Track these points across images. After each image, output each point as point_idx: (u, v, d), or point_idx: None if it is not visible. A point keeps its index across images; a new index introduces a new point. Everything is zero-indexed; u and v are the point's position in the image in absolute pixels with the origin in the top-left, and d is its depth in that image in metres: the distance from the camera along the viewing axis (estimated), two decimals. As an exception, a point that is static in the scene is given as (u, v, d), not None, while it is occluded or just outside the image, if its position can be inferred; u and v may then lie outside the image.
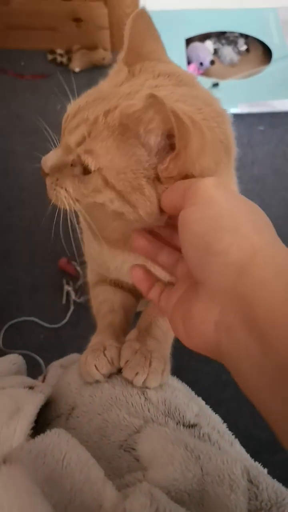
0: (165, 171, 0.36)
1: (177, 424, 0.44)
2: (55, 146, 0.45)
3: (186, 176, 0.37)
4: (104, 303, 0.61)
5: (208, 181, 0.33)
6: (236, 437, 0.50)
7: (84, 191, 0.41)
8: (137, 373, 0.48)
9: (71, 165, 0.41)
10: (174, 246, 0.41)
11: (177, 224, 0.33)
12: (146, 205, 0.39)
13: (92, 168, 0.39)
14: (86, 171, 0.40)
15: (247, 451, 0.49)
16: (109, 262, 0.56)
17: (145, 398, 0.46)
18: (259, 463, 0.45)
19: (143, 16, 0.43)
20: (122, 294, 0.62)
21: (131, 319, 0.61)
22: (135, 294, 0.64)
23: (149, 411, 0.44)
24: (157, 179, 0.38)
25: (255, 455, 0.49)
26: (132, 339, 0.53)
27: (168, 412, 0.45)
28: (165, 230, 0.42)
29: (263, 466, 0.45)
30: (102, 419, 0.43)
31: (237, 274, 0.29)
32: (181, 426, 0.44)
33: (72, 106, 0.42)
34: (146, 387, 0.48)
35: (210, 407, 0.54)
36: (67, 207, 0.43)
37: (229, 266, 0.29)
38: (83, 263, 0.81)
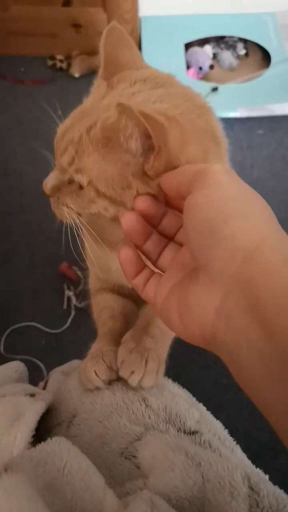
0: (152, 169, 0.38)
1: (178, 431, 0.44)
2: (53, 154, 0.47)
3: (174, 169, 0.38)
4: (104, 309, 0.61)
5: (217, 167, 0.32)
6: (237, 440, 0.50)
7: (81, 204, 0.43)
8: (132, 372, 0.48)
9: (68, 183, 0.43)
10: (165, 234, 0.39)
11: (175, 208, 0.35)
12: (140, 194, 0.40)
13: (84, 184, 0.41)
14: (81, 186, 0.42)
15: (248, 455, 0.49)
16: (110, 264, 0.57)
17: (146, 405, 0.46)
18: (260, 466, 0.45)
19: (115, 30, 0.45)
20: (123, 301, 0.63)
21: (132, 326, 0.62)
22: (136, 301, 0.64)
23: (149, 418, 0.44)
24: (147, 176, 0.39)
25: (256, 459, 0.49)
26: (128, 339, 0.53)
27: (169, 419, 0.45)
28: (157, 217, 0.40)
29: (264, 469, 0.45)
30: (103, 427, 0.44)
31: (243, 260, 0.29)
32: (182, 433, 0.44)
33: (60, 128, 0.44)
34: (141, 387, 0.48)
35: (211, 411, 0.54)
36: (72, 222, 0.46)
37: (235, 252, 0.29)
38: (84, 268, 0.81)
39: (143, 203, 0.37)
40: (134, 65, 0.46)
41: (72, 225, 0.46)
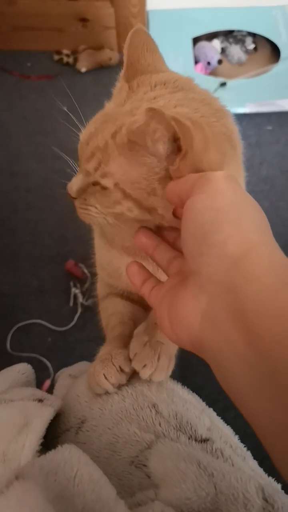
0: (177, 171, 0.38)
1: (189, 438, 0.43)
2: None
3: (196, 172, 0.37)
4: (113, 315, 0.60)
5: (219, 174, 0.33)
6: (245, 441, 0.50)
7: (106, 204, 0.44)
8: (145, 365, 0.49)
9: (93, 184, 0.44)
10: (174, 246, 0.43)
11: (180, 219, 0.35)
12: (164, 204, 0.41)
13: (111, 186, 0.42)
14: (106, 187, 0.43)
15: (256, 456, 0.49)
16: (121, 269, 0.58)
17: (156, 411, 0.45)
18: (267, 469, 0.44)
19: (139, 33, 0.46)
20: (132, 307, 0.62)
21: None
22: (144, 306, 0.64)
23: (160, 425, 0.44)
24: (170, 179, 0.39)
25: (264, 460, 0.48)
26: (141, 332, 0.54)
27: (179, 426, 0.44)
28: (168, 231, 0.44)
29: (271, 472, 0.44)
30: (113, 434, 0.43)
31: (230, 267, 0.29)
32: (193, 441, 0.43)
33: (83, 134, 0.45)
34: (151, 380, 0.49)
35: (219, 411, 0.53)
36: (100, 221, 0.46)
37: (224, 259, 0.30)
38: (90, 266, 0.80)
39: (145, 237, 0.43)
40: (155, 68, 0.47)
41: (98, 226, 0.49)
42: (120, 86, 0.47)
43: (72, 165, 0.53)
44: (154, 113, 0.36)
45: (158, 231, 0.44)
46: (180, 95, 0.43)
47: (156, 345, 0.51)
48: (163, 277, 0.42)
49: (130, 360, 0.50)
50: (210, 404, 0.54)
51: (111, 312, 0.61)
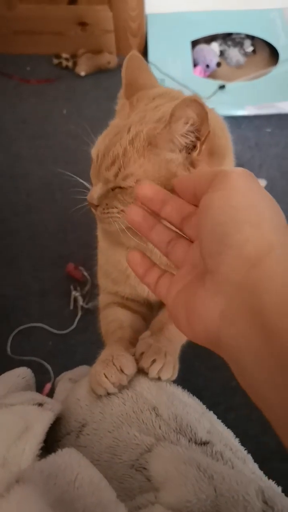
0: (199, 154, 0.47)
1: (189, 441, 0.43)
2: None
3: (210, 155, 0.47)
4: (113, 322, 0.61)
5: (237, 171, 0.33)
6: (245, 443, 0.50)
7: (129, 200, 0.50)
8: (154, 360, 0.51)
9: (112, 189, 0.51)
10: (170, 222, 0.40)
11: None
12: None
13: (133, 183, 0.48)
14: (126, 188, 0.49)
15: (257, 458, 0.49)
16: (129, 269, 0.59)
17: (156, 414, 0.45)
18: (268, 470, 0.44)
19: (134, 57, 0.54)
20: (132, 316, 0.63)
21: None
22: (144, 317, 0.65)
23: (160, 428, 0.44)
24: (189, 165, 0.48)
25: (264, 462, 0.48)
26: (146, 337, 0.57)
27: (179, 429, 0.44)
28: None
29: (272, 473, 0.44)
30: (113, 438, 0.43)
31: (249, 268, 0.29)
32: (193, 443, 0.43)
33: (97, 149, 0.51)
34: (160, 378, 0.51)
35: (220, 413, 0.53)
36: (121, 223, 0.52)
37: (242, 260, 0.30)
38: (90, 268, 0.81)
39: (144, 188, 0.39)
40: (150, 85, 0.54)
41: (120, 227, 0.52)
42: (122, 103, 0.53)
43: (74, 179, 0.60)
44: (192, 102, 0.44)
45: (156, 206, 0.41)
46: (177, 102, 0.49)
47: (161, 346, 0.54)
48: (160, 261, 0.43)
49: (136, 361, 0.51)
50: (211, 406, 0.55)
51: (111, 319, 0.62)
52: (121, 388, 0.48)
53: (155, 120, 0.49)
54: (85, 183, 0.61)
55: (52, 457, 0.37)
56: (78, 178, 0.63)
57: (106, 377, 0.48)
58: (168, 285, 0.38)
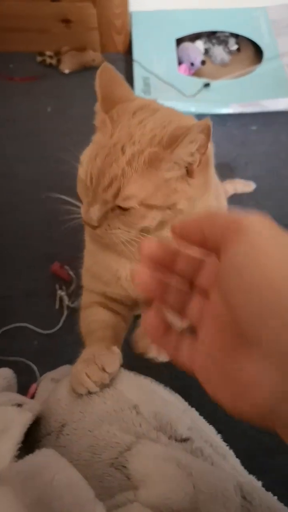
0: (199, 165, 0.49)
1: (169, 438, 0.43)
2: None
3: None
4: (95, 322, 0.61)
5: (255, 220, 0.29)
6: (234, 440, 0.50)
7: (133, 221, 0.51)
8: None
9: (111, 210, 0.50)
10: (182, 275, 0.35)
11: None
12: (184, 195, 0.50)
13: (136, 205, 0.49)
14: (126, 208, 0.50)
15: (246, 454, 0.49)
16: (119, 270, 0.61)
17: (137, 412, 0.45)
18: (257, 466, 0.45)
19: (106, 70, 0.53)
20: (114, 318, 0.64)
21: (121, 340, 0.61)
22: (125, 319, 0.66)
23: (140, 426, 0.44)
24: (187, 177, 0.50)
25: (253, 458, 0.49)
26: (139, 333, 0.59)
27: (160, 427, 0.44)
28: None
29: (261, 469, 0.44)
30: (93, 437, 0.43)
31: None
32: (173, 440, 0.43)
33: (87, 168, 0.50)
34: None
35: (207, 411, 0.53)
36: (126, 239, 0.52)
37: None
38: (76, 268, 0.80)
39: (150, 248, 0.34)
40: (126, 98, 0.54)
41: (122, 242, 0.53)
42: (101, 119, 0.52)
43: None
44: (205, 127, 0.47)
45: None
46: (159, 114, 0.51)
47: None
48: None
49: (133, 346, 0.54)
50: (200, 404, 0.54)
51: (93, 319, 0.62)
52: (103, 386, 0.48)
53: (148, 139, 0.49)
54: (72, 201, 0.60)
55: (29, 458, 0.37)
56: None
57: (88, 376, 0.47)
58: (189, 349, 0.32)
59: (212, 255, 0.31)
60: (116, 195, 0.49)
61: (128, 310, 0.67)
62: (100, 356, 0.50)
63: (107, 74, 0.53)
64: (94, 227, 0.51)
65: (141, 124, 0.50)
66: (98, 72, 0.52)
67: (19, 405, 0.44)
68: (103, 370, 0.48)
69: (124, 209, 0.50)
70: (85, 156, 0.52)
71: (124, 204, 0.49)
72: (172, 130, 0.48)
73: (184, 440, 0.44)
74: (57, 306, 1.29)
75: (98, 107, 0.53)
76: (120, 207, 0.50)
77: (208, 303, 0.31)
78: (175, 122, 0.50)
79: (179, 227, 0.33)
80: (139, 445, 0.41)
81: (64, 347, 1.24)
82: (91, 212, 0.50)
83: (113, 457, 0.41)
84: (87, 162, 0.51)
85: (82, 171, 0.52)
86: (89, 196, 0.51)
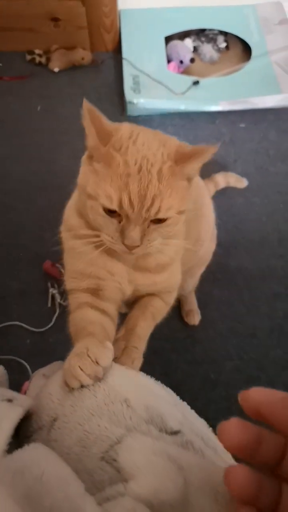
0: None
1: (159, 431, 0.44)
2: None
3: None
4: (83, 320, 0.62)
5: None
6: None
7: (169, 230, 0.57)
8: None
9: (147, 226, 0.55)
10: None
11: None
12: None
13: (174, 215, 0.55)
14: (160, 220, 0.55)
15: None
16: (114, 267, 0.65)
17: (127, 405, 0.45)
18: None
19: (91, 108, 0.54)
20: (103, 317, 0.64)
21: (111, 339, 0.62)
22: (112, 319, 0.67)
23: (131, 419, 0.44)
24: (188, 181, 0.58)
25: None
26: (119, 338, 0.63)
27: (150, 420, 0.44)
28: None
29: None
30: (83, 430, 0.43)
31: None
32: (164, 433, 0.43)
33: (120, 197, 0.53)
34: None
35: (200, 406, 0.53)
36: (159, 247, 0.59)
37: None
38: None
39: (235, 433, 0.28)
40: (114, 129, 0.56)
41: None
42: (103, 152, 0.54)
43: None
44: (215, 152, 0.55)
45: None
46: (150, 135, 0.56)
47: (131, 351, 0.60)
48: None
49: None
50: (191, 399, 0.55)
51: (81, 318, 0.62)
52: (97, 380, 0.48)
53: (160, 158, 0.54)
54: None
55: (18, 453, 0.37)
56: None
57: (81, 369, 0.47)
58: None
59: None
60: (158, 211, 0.53)
61: (116, 309, 0.68)
62: (93, 349, 0.50)
63: (93, 112, 0.55)
64: (134, 247, 0.55)
65: (144, 146, 0.54)
66: (86, 112, 0.54)
67: (10, 401, 0.44)
68: (97, 363, 0.48)
69: (161, 221, 0.55)
70: (107, 189, 0.53)
71: (165, 216, 0.54)
72: (178, 147, 0.55)
73: (175, 433, 0.44)
74: (49, 304, 1.29)
75: (95, 142, 0.55)
76: (156, 221, 0.55)
77: None
78: (171, 141, 0.57)
79: (268, 406, 0.28)
80: (129, 438, 0.41)
81: (57, 345, 1.24)
82: (133, 235, 0.53)
83: (103, 450, 0.41)
84: (117, 193, 0.53)
85: (110, 203, 0.53)
86: (127, 220, 0.54)
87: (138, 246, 0.55)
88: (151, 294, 0.71)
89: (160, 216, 0.54)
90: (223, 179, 1.38)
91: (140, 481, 0.37)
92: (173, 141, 0.57)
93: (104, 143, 0.54)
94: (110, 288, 0.65)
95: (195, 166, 0.56)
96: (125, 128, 0.57)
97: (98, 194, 0.54)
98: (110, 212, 0.54)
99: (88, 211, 0.57)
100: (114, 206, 0.53)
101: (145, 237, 0.55)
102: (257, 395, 0.28)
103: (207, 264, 1.09)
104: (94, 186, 0.54)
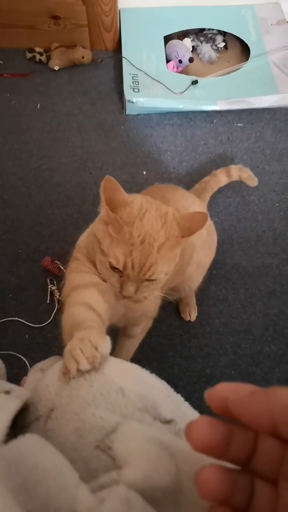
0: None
1: (153, 419, 0.45)
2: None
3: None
4: (84, 315, 0.64)
5: None
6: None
7: (156, 286, 0.73)
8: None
9: (141, 282, 0.70)
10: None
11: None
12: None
13: (162, 276, 0.71)
14: (153, 280, 0.71)
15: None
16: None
17: (123, 394, 0.46)
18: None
19: (109, 179, 0.69)
20: (98, 317, 0.66)
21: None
22: (105, 324, 0.69)
23: (126, 407, 0.45)
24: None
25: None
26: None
27: (144, 408, 0.45)
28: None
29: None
30: (79, 419, 0.44)
31: None
32: (157, 422, 0.45)
33: (125, 261, 0.67)
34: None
35: (196, 401, 0.55)
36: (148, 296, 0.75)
37: None
38: (67, 262, 0.82)
39: (202, 430, 0.28)
40: (124, 201, 0.70)
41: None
42: (113, 217, 0.68)
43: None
44: (206, 216, 0.70)
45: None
46: (156, 210, 0.71)
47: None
48: None
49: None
50: (187, 394, 0.56)
51: (82, 312, 0.65)
52: (93, 366, 0.49)
53: (163, 235, 0.68)
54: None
55: (13, 444, 0.38)
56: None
57: (81, 351, 0.49)
58: None
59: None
60: (152, 274, 0.68)
61: (107, 321, 0.70)
62: (94, 336, 0.52)
63: (109, 183, 0.68)
64: (131, 296, 0.70)
65: (148, 222, 0.68)
66: (103, 182, 0.68)
67: (7, 392, 0.46)
68: (96, 348, 0.50)
69: (152, 280, 0.70)
70: (116, 252, 0.67)
71: (156, 277, 0.69)
72: (185, 222, 0.70)
73: (168, 422, 0.45)
74: (48, 300, 1.31)
75: (105, 207, 0.69)
76: (148, 280, 0.70)
77: (281, 495, 0.26)
78: (169, 216, 0.71)
79: (241, 406, 0.27)
80: (123, 426, 0.42)
81: (55, 341, 1.26)
82: (130, 290, 0.69)
83: (98, 439, 0.42)
84: (122, 258, 0.67)
85: (117, 263, 0.68)
86: (127, 277, 0.69)
87: (133, 296, 0.70)
88: (131, 337, 0.96)
89: (153, 278, 0.69)
90: (237, 173, 1.37)
91: (133, 467, 0.38)
92: (171, 218, 0.70)
93: (112, 209, 0.68)
94: (105, 296, 0.72)
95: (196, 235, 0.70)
96: (136, 203, 0.70)
97: (109, 254, 0.68)
98: (114, 268, 0.68)
99: (97, 262, 0.72)
100: (119, 267, 0.68)
101: (138, 291, 0.70)
102: (224, 391, 0.28)
103: (207, 268, 1.16)
104: (108, 246, 0.68)
